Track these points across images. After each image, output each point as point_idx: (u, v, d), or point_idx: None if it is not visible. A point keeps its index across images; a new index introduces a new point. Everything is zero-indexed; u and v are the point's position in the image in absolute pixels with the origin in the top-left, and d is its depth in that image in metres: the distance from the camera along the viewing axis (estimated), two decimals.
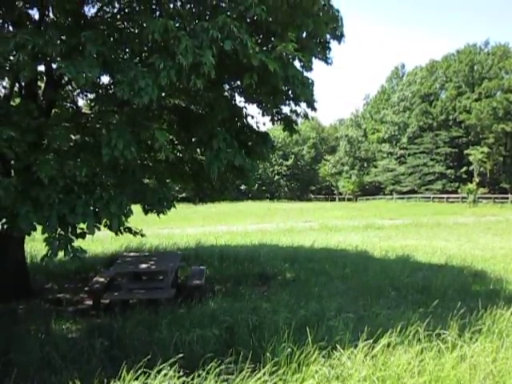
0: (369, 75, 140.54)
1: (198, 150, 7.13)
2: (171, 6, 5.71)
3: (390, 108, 66.06)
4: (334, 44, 6.83)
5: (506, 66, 55.37)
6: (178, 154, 8.07)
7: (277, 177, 74.21)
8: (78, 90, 7.32)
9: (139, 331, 4.94)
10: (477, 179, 44.60)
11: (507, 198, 44.64)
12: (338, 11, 5.84)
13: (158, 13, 5.70)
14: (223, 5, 5.42)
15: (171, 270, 7.17)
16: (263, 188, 71.77)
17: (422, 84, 60.88)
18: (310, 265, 9.60)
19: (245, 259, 10.20)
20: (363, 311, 5.57)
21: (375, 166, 66.55)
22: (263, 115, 6.76)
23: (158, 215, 6.88)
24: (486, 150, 49.19)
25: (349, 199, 64.86)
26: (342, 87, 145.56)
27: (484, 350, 3.87)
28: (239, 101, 7.40)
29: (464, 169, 54.36)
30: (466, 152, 52.49)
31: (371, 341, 3.79)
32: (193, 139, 6.83)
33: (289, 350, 3.78)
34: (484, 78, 55.73)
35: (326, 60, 6.94)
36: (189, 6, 5.91)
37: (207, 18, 5.47)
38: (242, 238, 15.95)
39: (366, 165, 69.65)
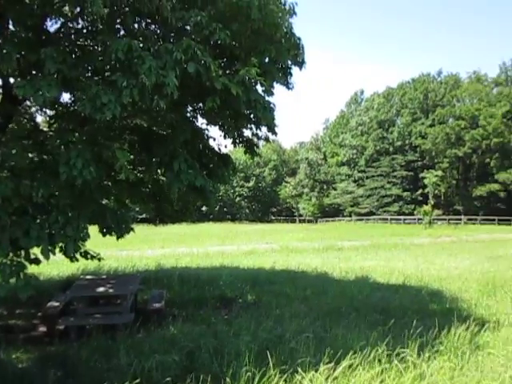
0: (329, 100, 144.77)
1: (159, 170, 7.04)
2: (136, 26, 5.70)
3: (348, 132, 68.09)
4: (295, 70, 7.02)
5: (457, 94, 58.65)
6: (139, 174, 7.95)
7: (238, 198, 74.38)
8: (37, 107, 7.11)
9: (96, 359, 4.74)
10: (432, 201, 46.33)
11: (460, 220, 46.63)
12: (299, 39, 6.02)
13: (122, 32, 5.67)
14: (188, 28, 5.47)
15: (130, 293, 6.97)
16: (225, 209, 71.67)
17: (379, 110, 63.32)
18: (271, 287, 9.58)
19: (206, 282, 10.05)
20: (324, 332, 5.60)
21: (334, 189, 67.97)
22: (225, 138, 6.80)
23: (117, 238, 6.69)
24: (440, 173, 51.39)
25: (309, 221, 65.66)
26: (304, 111, 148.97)
27: (442, 368, 3.97)
28: (201, 123, 7.42)
29: (419, 191, 56.46)
30: (421, 175, 54.64)
31: (332, 363, 3.81)
32: (153, 160, 6.75)
33: (250, 374, 3.73)
34: (437, 106, 58.70)
35: (287, 85, 7.08)
36: (153, 27, 5.93)
37: (172, 40, 5.50)
38: (203, 260, 15.76)
39: (325, 187, 71.05)
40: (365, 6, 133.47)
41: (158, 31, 5.86)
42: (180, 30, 5.57)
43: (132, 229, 6.79)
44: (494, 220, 45.26)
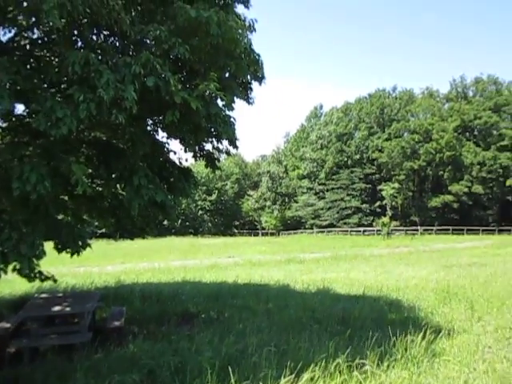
0: (290, 114, 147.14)
1: (119, 185, 6.91)
2: (94, 38, 5.62)
3: (308, 146, 69.20)
4: (256, 85, 7.12)
5: (411, 109, 61.04)
6: (98, 188, 7.76)
7: (200, 212, 73.81)
8: None
9: (51, 382, 4.53)
10: (389, 213, 47.73)
11: (417, 230, 48.17)
12: (258, 55, 6.12)
13: (79, 43, 5.58)
14: (147, 42, 5.45)
15: (88, 311, 6.73)
16: (187, 223, 70.89)
17: (338, 124, 64.86)
18: (233, 301, 9.53)
19: (167, 297, 9.88)
20: (286, 345, 5.61)
21: (296, 201, 68.68)
22: (186, 151, 6.77)
23: (71, 255, 6.47)
24: (396, 185, 53.11)
25: (272, 234, 65.91)
26: (266, 124, 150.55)
27: (400, 377, 4.06)
28: (162, 136, 7.37)
29: (378, 203, 57.99)
30: (379, 187, 56.25)
31: (294, 376, 3.82)
32: (113, 174, 6.62)
33: None
34: (393, 120, 60.80)
35: (247, 100, 7.17)
36: (112, 39, 5.87)
37: (131, 53, 5.46)
38: (165, 274, 15.51)
39: (287, 200, 71.69)
40: (326, 23, 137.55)
41: (117, 44, 5.80)
42: (139, 43, 5.54)
43: (89, 245, 6.60)
44: (448, 230, 47.07)
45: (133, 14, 5.49)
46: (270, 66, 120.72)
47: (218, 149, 7.13)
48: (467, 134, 56.95)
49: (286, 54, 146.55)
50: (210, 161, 7.35)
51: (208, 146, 7.26)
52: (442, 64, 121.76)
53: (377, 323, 6.61)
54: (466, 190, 51.64)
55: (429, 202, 54.51)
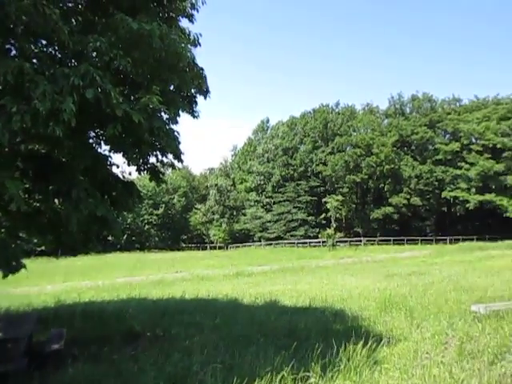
0: (238, 127, 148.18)
1: (57, 200, 6.61)
2: (32, 46, 5.39)
3: (256, 159, 69.87)
4: (202, 98, 7.12)
5: (353, 124, 63.38)
6: (35, 203, 7.38)
7: (147, 226, 72.19)
8: None
9: None
10: (334, 225, 48.98)
11: (361, 241, 49.73)
12: (202, 69, 6.14)
13: (13, 52, 5.32)
14: (88, 53, 5.30)
15: (23, 335, 6.32)
16: (133, 238, 69.04)
17: (284, 138, 66.08)
18: (180, 317, 9.33)
19: (111, 316, 9.51)
20: (232, 361, 5.55)
21: (244, 214, 68.87)
22: (129, 165, 6.61)
23: (3, 276, 6.07)
24: (340, 198, 54.71)
25: (220, 247, 65.57)
26: (213, 137, 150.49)
27: None
28: (104, 149, 7.17)
29: (323, 215, 59.34)
30: (323, 200, 57.62)
31: None
32: (51, 188, 6.33)
33: None
34: (336, 135, 62.80)
35: (192, 113, 7.14)
36: (50, 49, 5.65)
37: (70, 64, 5.28)
38: (109, 292, 14.96)
39: (235, 213, 71.72)
40: (273, 37, 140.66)
41: (55, 54, 5.60)
42: (80, 54, 5.38)
43: (24, 266, 6.22)
44: (389, 240, 48.96)
45: (73, 24, 5.34)
46: (217, 77, 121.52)
47: (162, 162, 7.03)
48: (405, 148, 59.91)
49: (235, 66, 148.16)
50: (155, 174, 7.22)
51: (152, 160, 7.15)
52: (382, 81, 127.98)
53: (322, 334, 6.70)
54: (405, 201, 54.07)
55: (371, 214, 56.51)
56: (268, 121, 76.94)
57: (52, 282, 19.97)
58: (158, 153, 6.82)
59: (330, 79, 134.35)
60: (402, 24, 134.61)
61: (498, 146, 51.01)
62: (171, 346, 6.77)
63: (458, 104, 62.92)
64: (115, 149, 6.88)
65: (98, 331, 8.33)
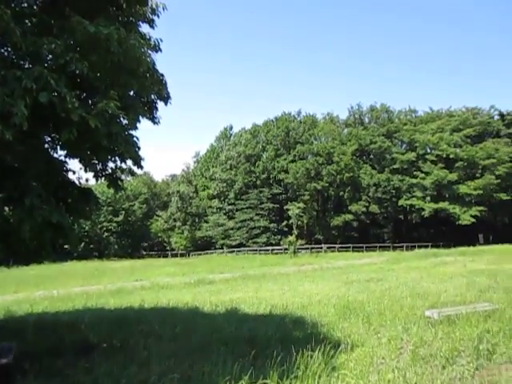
0: (200, 133, 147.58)
1: (7, 207, 6.33)
2: None
3: (218, 166, 69.72)
4: (163, 104, 7.03)
5: (314, 133, 64.47)
6: None
7: (106, 234, 70.37)
8: None
9: None
10: (295, 232, 49.42)
11: (321, 248, 50.47)
12: (162, 75, 6.08)
13: None
14: (43, 55, 5.13)
15: None
16: (91, 246, 67.15)
17: (247, 145, 66.32)
18: (139, 327, 9.12)
19: (66, 327, 9.18)
20: (191, 371, 5.47)
21: (206, 221, 68.44)
22: (86, 171, 6.44)
23: None
24: (302, 205, 55.35)
25: (182, 255, 64.79)
26: (176, 143, 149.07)
27: None
28: (60, 155, 6.94)
29: (285, 222, 59.83)
30: (285, 207, 58.12)
31: None
32: (1, 196, 6.05)
33: None
34: (298, 143, 63.66)
35: (153, 119, 7.05)
36: (2, 50, 5.44)
37: (24, 67, 5.09)
38: (64, 303, 14.45)
39: (197, 220, 71.16)
40: (235, 44, 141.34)
41: (8, 55, 5.39)
42: (34, 56, 5.20)
43: None
44: (349, 247, 49.98)
45: (27, 25, 5.17)
46: (178, 84, 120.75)
47: (121, 168, 6.88)
48: (364, 157, 61.50)
49: (197, 74, 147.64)
50: (113, 181, 7.06)
51: (111, 166, 6.99)
52: (342, 91, 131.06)
53: (282, 341, 6.73)
54: (364, 209, 55.40)
55: (331, 221, 57.50)
56: (231, 128, 77.09)
57: (2, 292, 19.06)
58: (116, 159, 6.68)
59: (292, 88, 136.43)
60: (362, 34, 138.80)
61: (451, 156, 53.29)
62: (128, 357, 6.59)
63: (413, 115, 65.35)
64: (71, 154, 6.69)
65: (51, 343, 8.01)
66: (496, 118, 61.46)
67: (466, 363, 5.16)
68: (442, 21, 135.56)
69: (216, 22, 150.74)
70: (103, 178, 7.07)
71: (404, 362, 5.31)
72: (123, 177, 7.37)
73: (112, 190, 7.51)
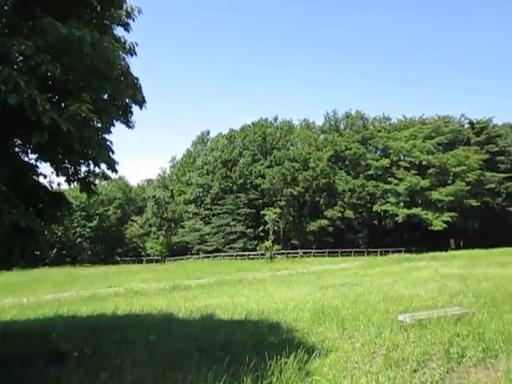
0: (176, 138, 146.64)
1: None
2: None
3: (195, 171, 69.41)
4: (138, 108, 6.95)
5: (291, 139, 64.95)
6: None
7: (79, 239, 69.01)
8: None
9: None
10: (272, 237, 49.55)
11: (297, 253, 50.72)
12: (137, 79, 6.01)
13: None
14: (12, 56, 5.01)
15: None
16: (63, 252, 65.67)
17: (223, 151, 66.26)
18: (112, 334, 8.94)
19: (35, 336, 8.92)
20: (164, 379, 5.40)
21: (182, 227, 67.91)
22: (57, 175, 6.29)
23: None
24: (278, 210, 55.56)
25: (157, 260, 64.03)
26: (153, 148, 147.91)
27: None
28: (31, 158, 6.77)
29: (261, 228, 59.91)
30: (262, 212, 58.22)
31: None
32: None
33: None
34: (274, 148, 63.98)
35: (127, 123, 6.95)
36: None
37: None
38: (35, 310, 14.04)
39: (173, 225, 70.54)
40: (215, 47, 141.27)
41: None
42: (3, 58, 5.07)
43: None
44: (325, 252, 50.40)
45: None
46: (153, 87, 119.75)
47: (94, 173, 6.76)
48: (339, 163, 62.27)
49: (172, 78, 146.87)
50: (86, 185, 6.92)
51: (83, 170, 6.86)
52: (318, 97, 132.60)
53: (256, 347, 6.71)
54: (339, 214, 56.00)
55: (307, 226, 57.85)
56: (208, 133, 76.97)
57: None
58: (89, 163, 6.56)
59: (268, 93, 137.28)
60: (338, 43, 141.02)
61: (424, 163, 54.50)
62: (100, 365, 6.45)
63: (387, 122, 66.66)
64: (43, 158, 6.53)
65: (20, 352, 7.77)
66: (466, 126, 63.33)
67: (437, 366, 5.26)
68: (415, 31, 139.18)
69: (193, 24, 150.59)
70: (76, 183, 6.93)
71: (377, 366, 5.37)
72: (97, 181, 7.24)
73: (85, 195, 7.37)
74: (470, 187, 52.49)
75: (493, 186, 56.05)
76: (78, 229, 68.20)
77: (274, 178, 58.15)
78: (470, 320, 7.64)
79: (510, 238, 50.37)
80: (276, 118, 70.99)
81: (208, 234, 62.81)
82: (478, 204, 53.48)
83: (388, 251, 48.83)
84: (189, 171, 72.47)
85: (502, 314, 8.09)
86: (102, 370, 6.15)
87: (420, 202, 54.22)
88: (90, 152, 5.51)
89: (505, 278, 15.21)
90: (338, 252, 50.51)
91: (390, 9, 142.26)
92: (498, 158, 60.05)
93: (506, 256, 26.19)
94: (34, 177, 6.78)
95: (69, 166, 6.48)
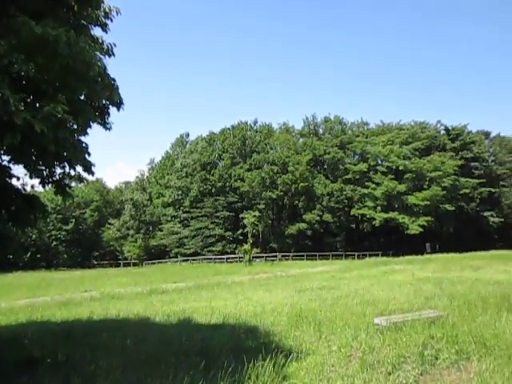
0: (156, 140, 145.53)
1: None
2: None
3: (174, 173, 68.92)
4: (116, 110, 6.85)
5: (270, 142, 65.15)
6: None
7: (55, 243, 67.60)
8: None
9: None
10: (251, 240, 49.47)
11: (276, 256, 50.81)
12: (114, 80, 5.94)
13: None
14: None
15: None
16: (38, 256, 64.16)
17: (203, 153, 66.01)
18: (87, 340, 8.77)
19: (7, 343, 8.70)
20: None
21: (160, 230, 67.29)
22: (31, 177, 6.15)
23: None
24: (257, 214, 55.58)
25: (134, 264, 63.23)
26: (131, 150, 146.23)
27: None
28: (4, 160, 6.60)
29: (240, 231, 59.84)
30: (241, 216, 58.19)
31: None
32: None
33: None
34: (254, 152, 64.13)
35: (104, 125, 6.85)
36: None
37: None
38: (6, 316, 13.64)
39: (151, 228, 69.84)
40: (189, 51, 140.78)
41: None
42: None
43: None
44: (303, 256, 50.64)
45: None
46: (131, 89, 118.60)
47: (69, 175, 6.63)
48: (318, 167, 62.82)
49: (151, 80, 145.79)
50: (61, 187, 6.78)
51: (58, 172, 6.72)
52: (298, 101, 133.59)
53: (234, 351, 6.68)
54: (317, 218, 56.41)
55: (286, 230, 58.09)
56: (188, 135, 76.58)
57: None
58: (65, 164, 6.43)
59: (248, 97, 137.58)
60: (316, 45, 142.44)
61: (401, 167, 55.48)
62: (74, 372, 6.32)
63: (365, 127, 67.62)
64: (16, 159, 6.38)
65: None
66: (442, 132, 64.81)
67: (412, 369, 5.34)
68: (392, 35, 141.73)
69: (170, 26, 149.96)
70: (50, 185, 6.79)
71: (353, 369, 5.42)
72: (72, 183, 7.12)
73: (61, 197, 7.23)
74: (445, 192, 53.64)
75: (467, 191, 57.47)
76: (53, 232, 66.81)
77: (253, 182, 58.23)
78: (444, 323, 7.78)
79: (483, 241, 51.75)
80: (256, 122, 71.17)
81: (186, 237, 62.39)
82: (453, 209, 54.69)
83: (365, 255, 49.36)
84: (167, 174, 71.89)
85: (475, 316, 8.27)
86: (76, 376, 6.03)
87: (397, 206, 55.09)
88: (65, 154, 5.40)
89: (478, 281, 15.55)
90: (316, 255, 50.82)
91: (370, 9, 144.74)
92: (472, 163, 61.68)
93: (479, 260, 26.78)
94: (7, 179, 6.62)
95: (43, 168, 6.35)
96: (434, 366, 5.55)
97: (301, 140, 65.87)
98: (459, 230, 58.17)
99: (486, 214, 59.32)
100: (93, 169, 6.50)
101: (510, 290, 11.94)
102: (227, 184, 63.42)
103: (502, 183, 64.49)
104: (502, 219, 60.32)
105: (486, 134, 69.23)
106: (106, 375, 5.94)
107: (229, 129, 69.23)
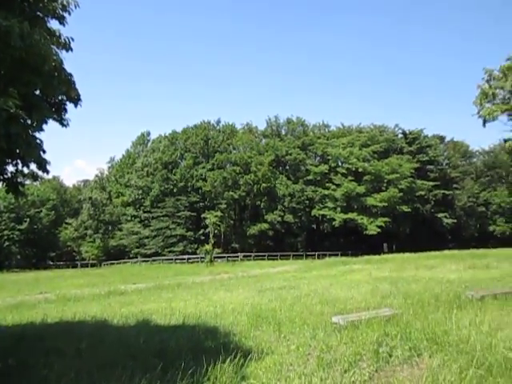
0: (116, 139, 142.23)
1: None
2: None
3: (134, 172, 67.63)
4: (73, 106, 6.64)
5: (233, 142, 65.14)
6: None
7: (7, 243, 64.74)
8: None
9: None
10: (212, 240, 49.26)
11: (237, 257, 50.87)
12: (70, 75, 5.76)
13: None
14: None
15: None
16: None
17: (164, 152, 65.12)
18: (39, 344, 8.46)
19: None
20: None
21: (120, 230, 65.89)
22: None
23: None
24: (219, 214, 55.42)
25: (93, 265, 61.57)
26: (91, 148, 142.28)
27: None
28: None
29: (202, 231, 59.46)
30: (203, 216, 57.84)
31: None
32: None
33: None
34: (216, 151, 63.90)
35: (61, 122, 6.64)
36: None
37: None
38: None
39: (110, 228, 68.23)
40: (157, 47, 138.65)
41: None
42: None
43: None
44: (264, 256, 50.94)
45: None
46: (92, 86, 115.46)
47: (22, 172, 6.37)
48: (280, 168, 63.42)
49: (111, 77, 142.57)
50: (13, 185, 6.50)
51: (10, 169, 6.45)
52: (261, 102, 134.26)
53: (193, 352, 6.62)
54: (279, 218, 56.96)
55: (248, 230, 58.25)
56: (149, 134, 75.27)
57: None
58: (18, 162, 6.18)
59: (212, 97, 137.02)
60: (284, 49, 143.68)
61: (360, 169, 56.84)
62: (25, 378, 6.09)
63: (326, 130, 68.88)
64: None
65: None
66: (400, 135, 66.94)
67: (367, 366, 5.47)
68: (353, 38, 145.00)
69: (132, 24, 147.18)
70: (1, 183, 6.50)
71: (310, 367, 5.49)
72: (26, 181, 6.85)
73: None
74: (402, 194, 55.42)
75: (423, 193, 59.63)
76: (5, 232, 64.00)
77: (215, 182, 58.04)
78: (399, 320, 8.02)
79: (437, 242, 53.85)
80: (219, 121, 70.88)
81: (147, 237, 61.36)
82: (410, 210, 56.59)
83: (325, 254, 50.21)
84: (128, 172, 70.43)
85: (428, 314, 8.58)
86: (27, 382, 5.81)
87: (356, 207, 56.42)
88: (17, 150, 5.19)
89: (432, 280, 16.13)
90: (277, 255, 51.23)
91: (327, 10, 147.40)
92: (428, 166, 64.10)
93: (433, 259, 27.77)
94: None
95: None
96: (388, 363, 5.71)
97: (263, 141, 66.25)
98: (415, 230, 60.28)
99: (440, 215, 61.76)
100: (48, 167, 6.28)
101: (461, 288, 12.46)
102: (189, 184, 62.87)
103: (455, 186, 67.38)
104: (455, 220, 63.02)
105: (441, 139, 72.19)
106: (59, 380, 5.75)
107: (191, 128, 68.62)
